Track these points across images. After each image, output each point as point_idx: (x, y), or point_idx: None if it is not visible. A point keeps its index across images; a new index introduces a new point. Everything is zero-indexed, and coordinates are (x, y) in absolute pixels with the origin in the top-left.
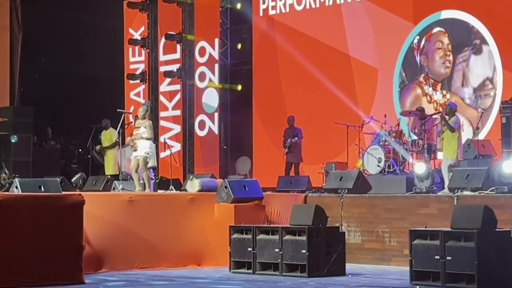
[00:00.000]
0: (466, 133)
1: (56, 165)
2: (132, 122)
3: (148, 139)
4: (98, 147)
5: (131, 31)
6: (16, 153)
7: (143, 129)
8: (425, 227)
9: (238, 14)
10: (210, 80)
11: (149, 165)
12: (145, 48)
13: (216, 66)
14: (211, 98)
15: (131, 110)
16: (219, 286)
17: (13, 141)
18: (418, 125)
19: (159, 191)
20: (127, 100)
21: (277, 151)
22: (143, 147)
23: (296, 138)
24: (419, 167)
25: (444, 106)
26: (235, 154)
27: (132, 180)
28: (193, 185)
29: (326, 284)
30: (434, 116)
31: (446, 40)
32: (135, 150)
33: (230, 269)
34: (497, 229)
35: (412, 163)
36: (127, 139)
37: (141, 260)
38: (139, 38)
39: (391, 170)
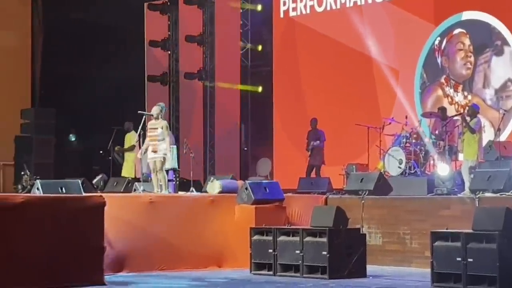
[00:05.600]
0: (488, 135)
1: (78, 167)
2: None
3: (165, 138)
4: (117, 148)
5: (152, 33)
6: (37, 155)
7: (160, 130)
8: (446, 229)
9: (259, 16)
10: (231, 81)
11: (169, 166)
12: (165, 50)
13: (237, 67)
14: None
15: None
16: None
17: (73, 139)
18: (439, 127)
19: (180, 193)
20: (148, 102)
21: (298, 152)
22: (163, 148)
23: (318, 142)
24: (442, 169)
25: (465, 107)
26: (256, 155)
27: None
28: (213, 187)
29: (346, 285)
30: (455, 118)
31: (467, 41)
32: (155, 151)
33: (250, 271)
34: None
35: (435, 164)
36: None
37: (161, 261)
38: (159, 40)
39: (412, 171)
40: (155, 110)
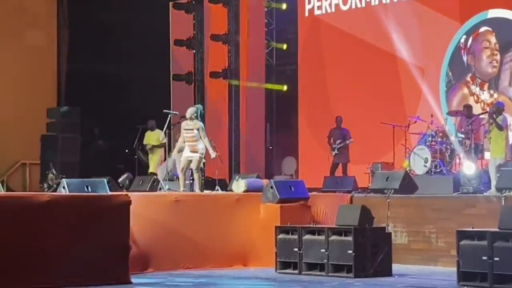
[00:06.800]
0: None
1: (103, 166)
2: (179, 122)
3: (202, 139)
4: (148, 146)
5: (177, 32)
6: (63, 154)
7: (195, 131)
8: (472, 228)
9: (284, 14)
10: (256, 80)
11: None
12: (191, 49)
13: (262, 66)
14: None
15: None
16: (265, 287)
17: None
18: (465, 125)
19: (205, 192)
20: (173, 101)
21: (323, 151)
22: (201, 148)
23: (351, 140)
24: (468, 167)
25: (492, 105)
26: (281, 154)
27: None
28: (239, 186)
29: (372, 284)
30: (481, 116)
31: (493, 39)
32: (194, 151)
33: (276, 270)
34: None
35: (461, 163)
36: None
37: (186, 260)
38: (185, 39)
39: (438, 170)
40: (189, 112)
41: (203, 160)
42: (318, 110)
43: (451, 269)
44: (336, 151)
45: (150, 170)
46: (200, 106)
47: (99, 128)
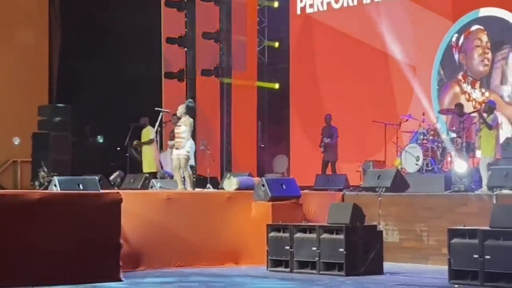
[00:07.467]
0: (506, 131)
1: (94, 163)
2: (170, 120)
3: (187, 138)
4: (135, 142)
5: (168, 30)
6: (55, 152)
7: (183, 127)
8: (464, 226)
9: (276, 12)
10: (248, 78)
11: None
12: (182, 47)
13: (254, 64)
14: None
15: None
16: (257, 285)
17: (101, 141)
18: (457, 123)
19: (197, 190)
20: (164, 99)
21: (315, 149)
22: (186, 146)
23: (329, 139)
24: (460, 166)
25: (483, 104)
26: (273, 152)
27: (171, 178)
28: (230, 184)
29: (363, 282)
30: (472, 114)
31: (484, 38)
32: (178, 148)
33: (267, 268)
34: None
35: (452, 161)
36: (168, 142)
37: (178, 258)
38: (176, 36)
39: (429, 168)
40: (178, 110)
41: (191, 158)
42: (309, 108)
43: (443, 267)
44: (322, 149)
45: (144, 169)
46: (189, 100)
47: (91, 126)
